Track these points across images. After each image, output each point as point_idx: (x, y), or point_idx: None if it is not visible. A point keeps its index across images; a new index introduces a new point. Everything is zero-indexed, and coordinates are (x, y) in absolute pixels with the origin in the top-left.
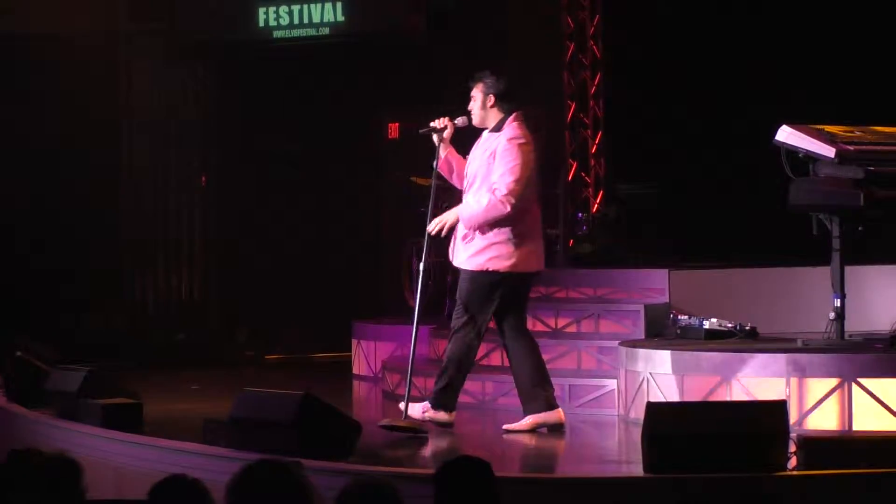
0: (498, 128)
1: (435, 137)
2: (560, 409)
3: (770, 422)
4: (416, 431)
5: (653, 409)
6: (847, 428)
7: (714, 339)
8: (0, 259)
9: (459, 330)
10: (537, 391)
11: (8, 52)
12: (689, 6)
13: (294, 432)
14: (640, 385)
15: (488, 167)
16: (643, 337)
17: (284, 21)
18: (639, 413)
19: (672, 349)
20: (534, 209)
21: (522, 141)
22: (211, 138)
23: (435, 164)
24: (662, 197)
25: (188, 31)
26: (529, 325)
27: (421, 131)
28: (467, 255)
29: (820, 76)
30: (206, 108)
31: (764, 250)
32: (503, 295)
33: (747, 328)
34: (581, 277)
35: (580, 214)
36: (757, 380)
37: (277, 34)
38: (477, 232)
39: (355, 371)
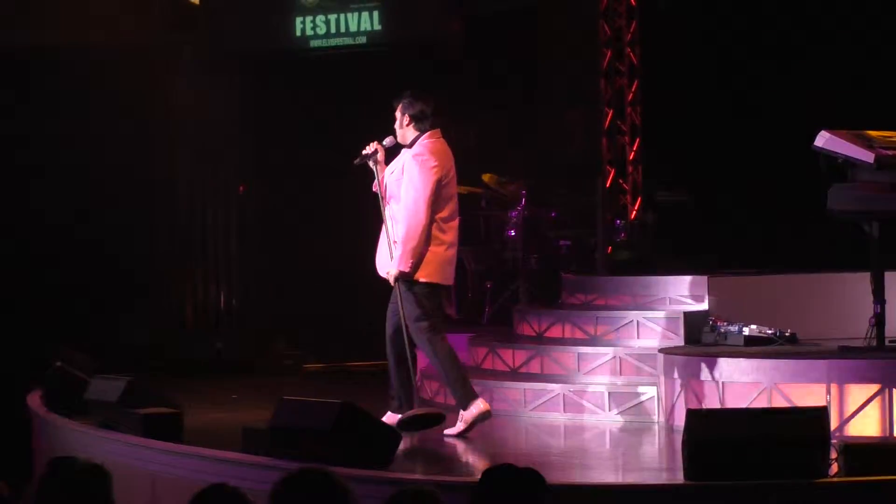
0: (411, 145)
1: (370, 163)
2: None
3: (811, 428)
4: (435, 417)
5: (693, 416)
6: (888, 434)
7: (754, 345)
8: (39, 269)
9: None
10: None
11: (41, 64)
12: (725, 12)
13: (333, 441)
14: (680, 392)
15: (398, 181)
16: (683, 344)
17: (321, 30)
18: (679, 420)
19: (712, 356)
20: (454, 222)
21: (424, 157)
22: (248, 148)
23: (374, 186)
24: (701, 203)
25: (225, 40)
26: (569, 331)
27: (356, 162)
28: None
29: (859, 80)
30: (242, 117)
31: (803, 256)
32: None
33: (787, 334)
34: (620, 284)
35: (618, 221)
36: (797, 386)
37: (314, 43)
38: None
39: None
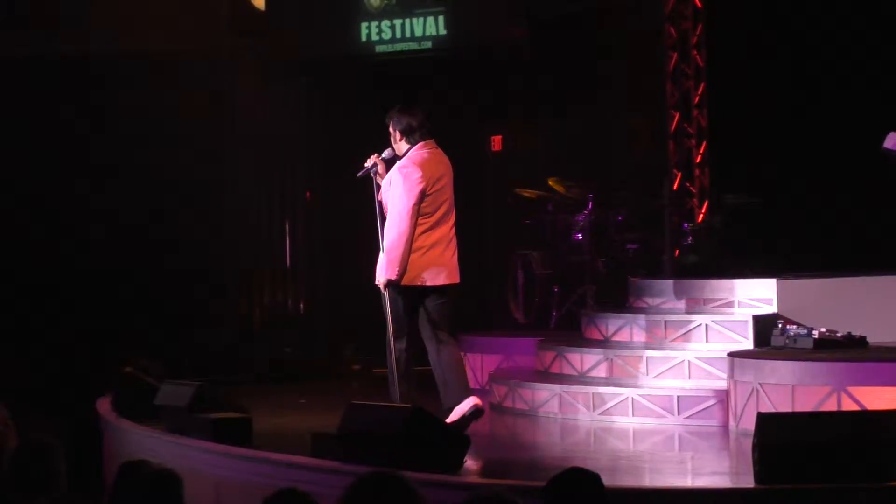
0: (402, 157)
1: (372, 174)
2: None
3: (883, 431)
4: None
5: (764, 419)
6: None
7: (823, 348)
8: (107, 276)
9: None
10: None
11: (106, 71)
12: (793, 13)
13: (403, 445)
14: (750, 396)
15: (387, 192)
16: (752, 347)
17: (387, 35)
18: (749, 424)
19: (781, 359)
20: (438, 229)
21: (408, 169)
22: (314, 153)
23: (377, 197)
24: (768, 206)
25: (291, 47)
26: (637, 335)
27: (358, 175)
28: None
29: None
30: (309, 122)
31: (872, 258)
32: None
33: (857, 337)
34: (688, 288)
35: (686, 225)
36: (867, 389)
37: (380, 48)
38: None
39: None
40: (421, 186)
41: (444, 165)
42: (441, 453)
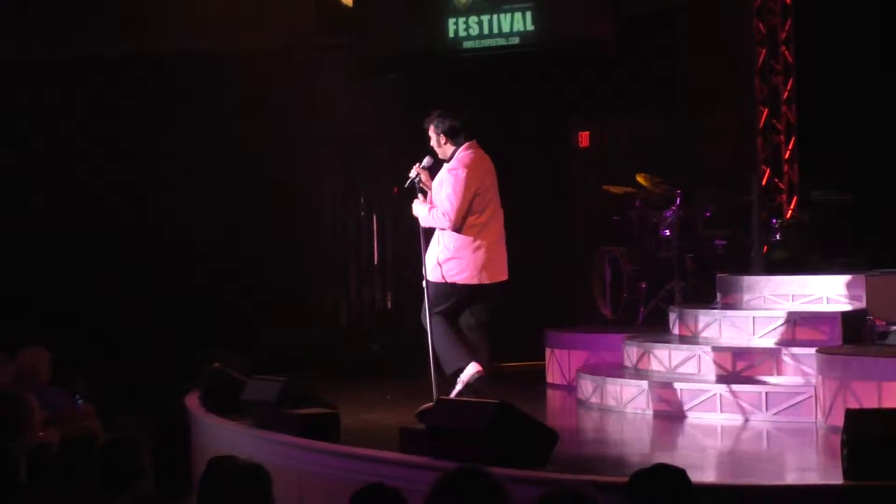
0: (450, 159)
1: (417, 184)
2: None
3: None
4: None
5: (853, 416)
6: None
7: None
8: (196, 272)
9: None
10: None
11: (194, 69)
12: (883, 7)
13: (490, 441)
14: (838, 392)
15: (441, 193)
16: (840, 343)
17: (474, 31)
18: (837, 420)
19: (870, 356)
20: (489, 228)
21: (459, 171)
22: (401, 149)
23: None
24: (857, 201)
25: (378, 43)
26: (725, 331)
27: (406, 186)
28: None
29: None
30: (395, 119)
31: None
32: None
33: None
34: (776, 284)
35: (774, 221)
36: None
37: (467, 44)
38: (440, 250)
39: (549, 380)
40: (472, 187)
41: (488, 165)
42: (528, 449)
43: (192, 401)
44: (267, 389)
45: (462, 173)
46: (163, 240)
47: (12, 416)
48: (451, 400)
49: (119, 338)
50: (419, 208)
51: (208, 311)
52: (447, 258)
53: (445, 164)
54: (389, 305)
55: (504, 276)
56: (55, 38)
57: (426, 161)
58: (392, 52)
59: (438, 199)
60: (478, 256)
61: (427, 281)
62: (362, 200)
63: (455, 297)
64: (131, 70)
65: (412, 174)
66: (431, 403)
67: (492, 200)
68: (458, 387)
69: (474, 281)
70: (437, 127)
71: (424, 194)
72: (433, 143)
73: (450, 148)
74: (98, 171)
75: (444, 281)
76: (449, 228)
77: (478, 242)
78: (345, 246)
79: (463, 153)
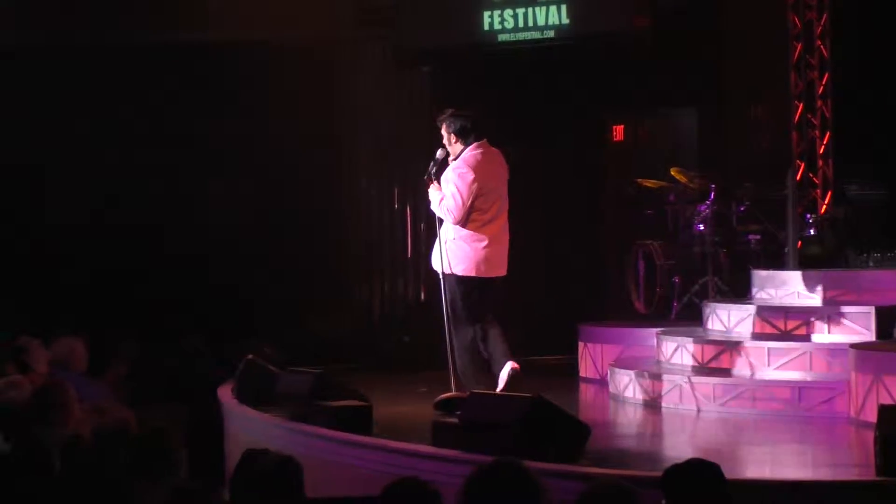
0: (457, 157)
1: (432, 174)
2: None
3: None
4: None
5: (886, 411)
6: None
7: None
8: (226, 263)
9: None
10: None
11: (230, 60)
12: None
13: (524, 434)
14: (871, 388)
15: (446, 189)
16: (874, 339)
17: (509, 24)
18: (870, 416)
19: None
20: (492, 225)
21: (463, 169)
22: (436, 142)
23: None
24: (892, 197)
25: (414, 36)
26: (758, 326)
27: (426, 178)
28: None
29: None
30: (429, 111)
31: None
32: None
33: None
34: (810, 279)
35: (808, 216)
36: None
37: (502, 38)
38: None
39: (582, 374)
40: (474, 187)
41: (497, 164)
42: (562, 443)
43: (226, 392)
44: (300, 382)
45: (466, 173)
46: (195, 229)
47: (52, 405)
48: (485, 394)
49: (154, 328)
50: (434, 193)
51: (243, 303)
52: (448, 250)
53: (452, 162)
54: (423, 297)
55: (502, 272)
56: (106, 25)
57: (439, 153)
58: (427, 45)
59: (445, 194)
60: (477, 251)
61: (443, 273)
62: (396, 193)
63: (469, 290)
64: (163, 59)
65: (432, 169)
66: (452, 393)
67: (497, 199)
68: None
69: (472, 273)
70: (448, 126)
71: (439, 182)
72: (444, 140)
73: (459, 146)
74: (137, 159)
75: (450, 272)
76: (453, 222)
77: (479, 237)
78: (378, 237)
79: (470, 153)
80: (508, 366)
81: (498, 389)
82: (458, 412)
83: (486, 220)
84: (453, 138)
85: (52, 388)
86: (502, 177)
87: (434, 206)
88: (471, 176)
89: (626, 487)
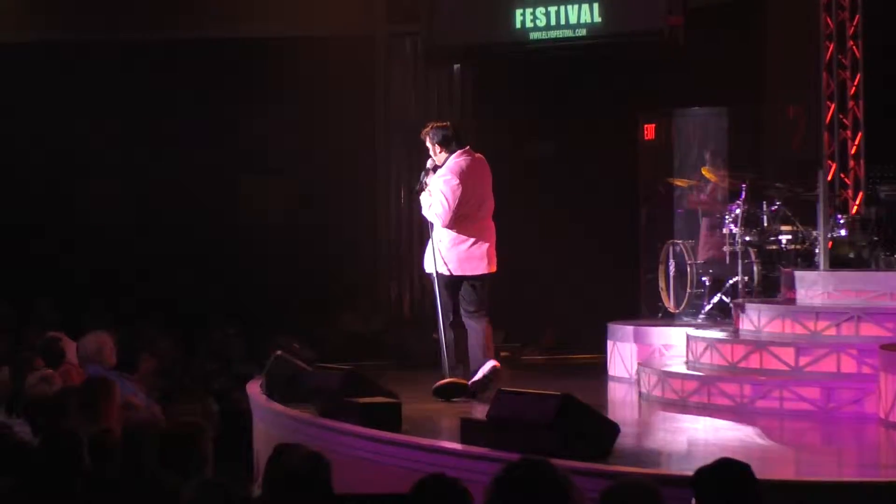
0: (443, 165)
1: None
2: None
3: None
4: (461, 386)
5: None
6: None
7: None
8: (258, 261)
9: None
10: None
11: (263, 56)
12: None
13: (552, 432)
14: None
15: (432, 196)
16: None
17: (541, 22)
18: None
19: None
20: (476, 225)
21: (447, 177)
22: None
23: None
24: None
25: (445, 33)
26: (788, 326)
27: (418, 188)
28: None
29: None
30: (460, 108)
31: None
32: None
33: None
34: (841, 280)
35: (839, 216)
36: None
37: (534, 35)
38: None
39: (611, 372)
40: (458, 192)
41: (480, 168)
42: (590, 441)
43: (255, 388)
44: (329, 378)
45: (451, 179)
46: (225, 226)
47: (93, 401)
48: (513, 391)
49: (185, 324)
50: (425, 200)
51: (273, 298)
52: (436, 250)
53: (439, 170)
54: None
55: (484, 270)
56: (137, 20)
57: (429, 164)
58: (459, 42)
59: (433, 200)
60: (460, 251)
61: (436, 273)
62: None
63: (447, 287)
64: (191, 56)
65: (421, 176)
66: (447, 380)
67: (481, 201)
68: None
69: (457, 272)
70: (432, 138)
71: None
72: (430, 151)
73: (444, 155)
74: (167, 158)
75: (435, 271)
76: (442, 226)
77: (462, 238)
78: (409, 233)
79: (454, 161)
80: (490, 364)
81: (474, 379)
82: (457, 399)
83: (469, 221)
84: (437, 148)
85: (98, 384)
86: (485, 180)
87: (425, 212)
88: (455, 181)
89: (649, 485)
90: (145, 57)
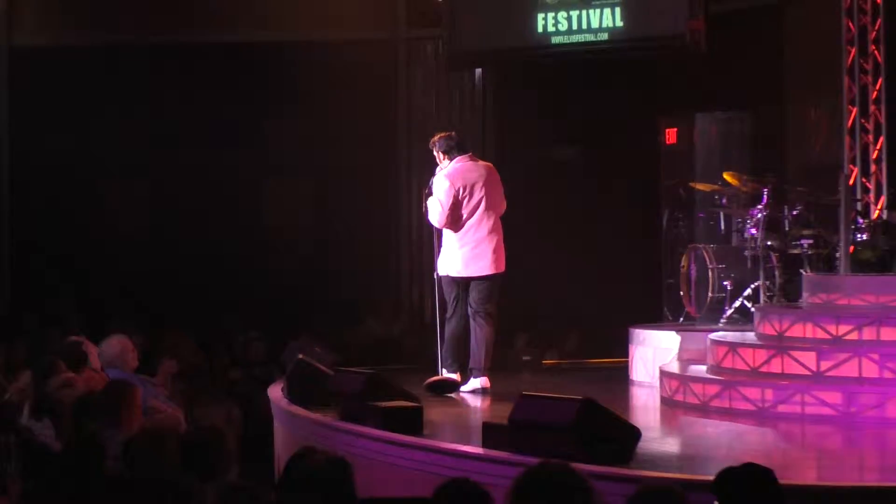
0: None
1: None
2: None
3: None
4: (451, 383)
5: None
6: None
7: None
8: (280, 264)
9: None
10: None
11: (290, 59)
12: None
13: (574, 437)
14: None
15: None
16: None
17: (563, 27)
18: None
19: None
20: (477, 227)
21: (440, 179)
22: (487, 142)
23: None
24: None
25: (468, 38)
26: (810, 331)
27: (426, 193)
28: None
29: None
30: (482, 111)
31: None
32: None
33: None
34: (863, 284)
35: (861, 220)
36: None
37: (556, 40)
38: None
39: (633, 377)
40: (450, 193)
41: (477, 172)
42: (612, 445)
43: (276, 392)
44: (351, 382)
45: (443, 182)
46: (254, 230)
47: (118, 407)
48: (535, 395)
49: (208, 327)
50: (427, 204)
51: (296, 304)
52: (440, 253)
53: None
54: None
55: (490, 271)
56: (168, 22)
57: (437, 171)
58: (481, 46)
59: (430, 204)
60: (463, 253)
61: (442, 274)
62: None
63: (451, 288)
64: (218, 58)
65: (430, 183)
66: (439, 376)
67: (480, 204)
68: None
69: (461, 274)
70: (438, 147)
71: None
72: (437, 160)
73: (447, 163)
74: (192, 160)
75: (437, 273)
76: (437, 227)
77: (463, 240)
78: (430, 239)
79: (452, 167)
80: (483, 381)
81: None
82: (451, 394)
83: (469, 223)
84: (442, 156)
85: (120, 388)
86: (487, 182)
87: (428, 216)
88: (446, 184)
89: (674, 489)
90: (175, 60)
